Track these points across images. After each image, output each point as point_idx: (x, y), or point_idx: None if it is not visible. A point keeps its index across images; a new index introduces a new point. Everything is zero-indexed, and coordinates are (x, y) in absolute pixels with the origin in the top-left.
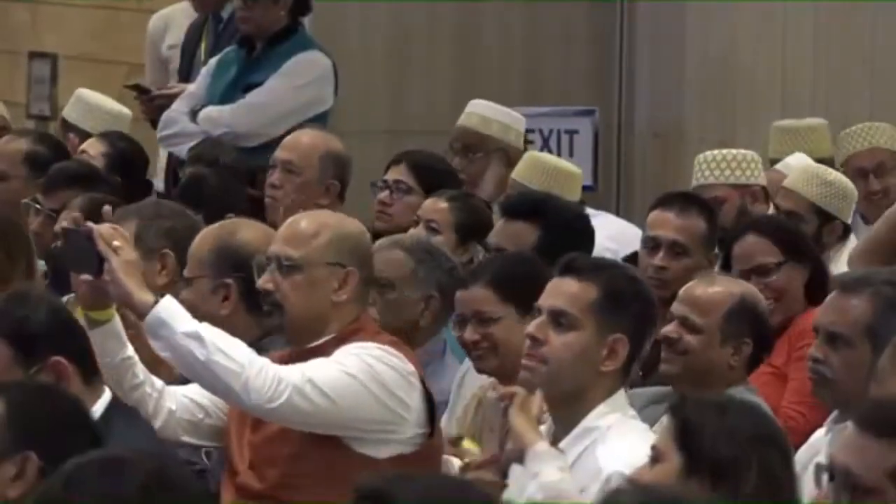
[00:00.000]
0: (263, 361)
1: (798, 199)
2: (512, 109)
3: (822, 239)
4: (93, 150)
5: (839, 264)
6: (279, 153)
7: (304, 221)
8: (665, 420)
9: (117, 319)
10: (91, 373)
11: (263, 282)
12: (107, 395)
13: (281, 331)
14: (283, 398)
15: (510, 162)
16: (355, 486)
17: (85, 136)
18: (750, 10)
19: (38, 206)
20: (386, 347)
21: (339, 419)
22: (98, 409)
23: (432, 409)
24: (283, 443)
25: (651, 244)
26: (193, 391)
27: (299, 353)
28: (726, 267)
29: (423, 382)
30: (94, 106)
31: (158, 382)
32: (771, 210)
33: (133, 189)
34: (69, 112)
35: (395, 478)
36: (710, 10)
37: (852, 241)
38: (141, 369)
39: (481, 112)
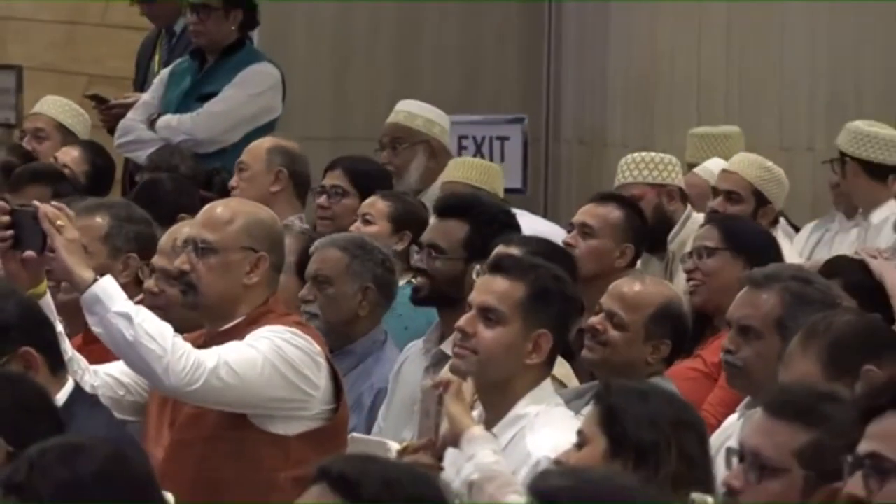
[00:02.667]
0: (186, 347)
1: (738, 179)
2: (448, 116)
3: (757, 219)
4: (66, 157)
5: None
6: (242, 157)
7: (219, 208)
8: (591, 406)
9: (48, 296)
10: (57, 364)
11: (180, 262)
12: (70, 385)
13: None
14: (200, 382)
15: (433, 153)
16: (318, 469)
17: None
18: (667, 25)
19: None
20: (294, 330)
21: (251, 398)
22: (62, 397)
23: (339, 387)
24: (199, 428)
25: (569, 228)
26: (117, 369)
27: (213, 336)
28: None
29: (329, 361)
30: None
31: (84, 361)
32: (689, 209)
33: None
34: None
35: (355, 461)
36: (630, 27)
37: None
38: (69, 346)
39: (407, 108)
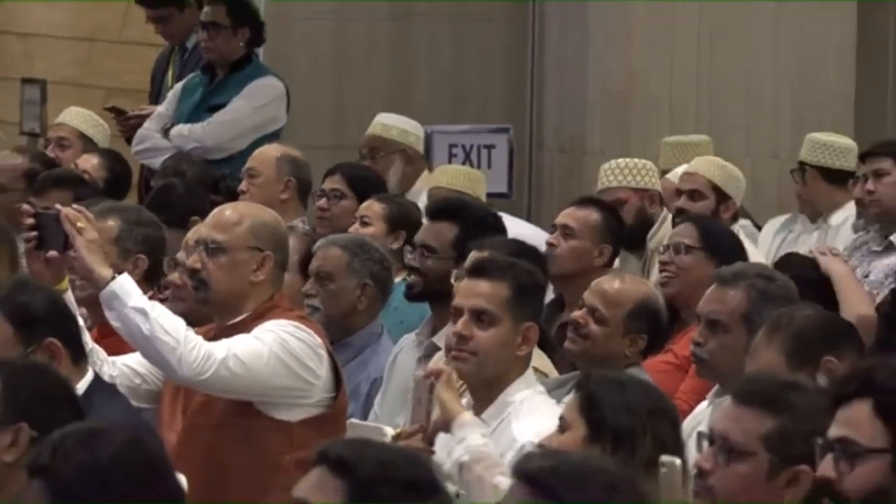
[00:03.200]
0: (197, 339)
1: (699, 178)
2: (438, 126)
3: (720, 215)
4: (86, 163)
5: None
6: (250, 163)
7: (228, 211)
8: (572, 394)
9: (69, 292)
10: (79, 355)
11: (192, 262)
12: (90, 375)
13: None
14: (210, 371)
15: (410, 160)
16: (318, 452)
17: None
18: (641, 43)
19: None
20: (297, 324)
21: (258, 387)
22: (82, 386)
23: (338, 376)
24: (209, 414)
25: (551, 230)
26: (133, 360)
27: (222, 329)
28: None
29: (329, 353)
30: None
31: (102, 353)
32: (665, 210)
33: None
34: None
35: (353, 445)
36: (607, 45)
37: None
38: (89, 338)
39: (383, 121)
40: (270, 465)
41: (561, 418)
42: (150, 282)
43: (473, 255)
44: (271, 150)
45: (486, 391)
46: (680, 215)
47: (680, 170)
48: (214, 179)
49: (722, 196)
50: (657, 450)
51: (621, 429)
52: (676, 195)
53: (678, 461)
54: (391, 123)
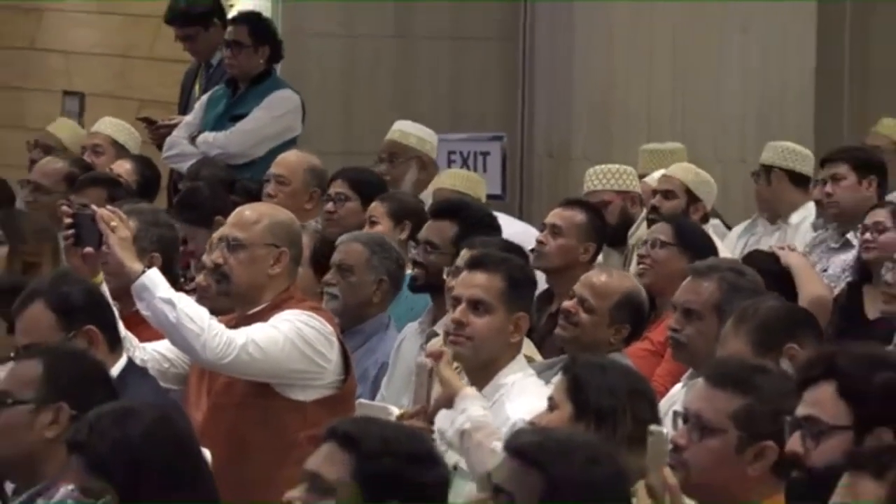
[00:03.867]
0: (220, 327)
1: (675, 181)
2: (438, 134)
3: (689, 215)
4: (120, 168)
5: None
6: (274, 169)
7: (248, 211)
8: (559, 376)
9: (104, 285)
10: (114, 341)
11: (214, 257)
12: (124, 359)
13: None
14: (232, 356)
15: (424, 166)
16: (328, 429)
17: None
18: (622, 59)
19: (69, 203)
20: (310, 313)
21: (275, 370)
22: (116, 370)
23: (348, 361)
24: (231, 395)
25: (541, 228)
26: (162, 346)
27: (242, 318)
28: None
29: (339, 339)
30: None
31: (135, 339)
32: (644, 211)
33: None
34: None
35: (360, 422)
36: (591, 61)
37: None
38: (122, 327)
39: (402, 128)
40: (286, 441)
41: (550, 398)
42: (169, 274)
43: (464, 253)
44: (302, 163)
45: (480, 373)
46: (654, 212)
47: (657, 174)
48: (232, 181)
49: (693, 198)
50: (637, 427)
51: (604, 408)
52: (652, 194)
53: (665, 430)
54: (409, 131)
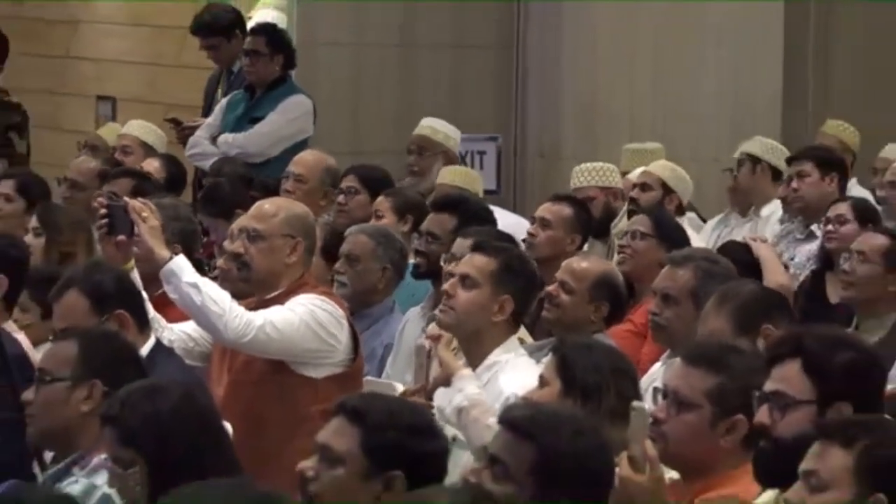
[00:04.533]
0: (240, 309)
1: (651, 175)
2: None
3: (664, 205)
4: (150, 166)
5: None
6: (293, 168)
7: (266, 205)
8: (549, 356)
9: (135, 271)
10: (143, 323)
11: (235, 247)
12: (152, 340)
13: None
14: (251, 335)
15: (449, 161)
16: (337, 404)
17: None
18: (606, 66)
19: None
20: (323, 298)
21: (290, 349)
22: (146, 350)
23: (356, 341)
24: (250, 372)
25: (532, 221)
26: (188, 327)
27: (261, 302)
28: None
29: (349, 322)
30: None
31: (163, 321)
32: (626, 206)
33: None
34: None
35: (366, 397)
36: (578, 69)
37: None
38: (151, 309)
39: (431, 125)
40: (299, 415)
41: (541, 376)
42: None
43: (459, 241)
44: (319, 163)
45: (472, 348)
46: (633, 204)
47: (638, 171)
48: (250, 178)
49: (667, 190)
50: (620, 403)
51: (589, 385)
52: (632, 187)
53: (647, 406)
54: (438, 128)
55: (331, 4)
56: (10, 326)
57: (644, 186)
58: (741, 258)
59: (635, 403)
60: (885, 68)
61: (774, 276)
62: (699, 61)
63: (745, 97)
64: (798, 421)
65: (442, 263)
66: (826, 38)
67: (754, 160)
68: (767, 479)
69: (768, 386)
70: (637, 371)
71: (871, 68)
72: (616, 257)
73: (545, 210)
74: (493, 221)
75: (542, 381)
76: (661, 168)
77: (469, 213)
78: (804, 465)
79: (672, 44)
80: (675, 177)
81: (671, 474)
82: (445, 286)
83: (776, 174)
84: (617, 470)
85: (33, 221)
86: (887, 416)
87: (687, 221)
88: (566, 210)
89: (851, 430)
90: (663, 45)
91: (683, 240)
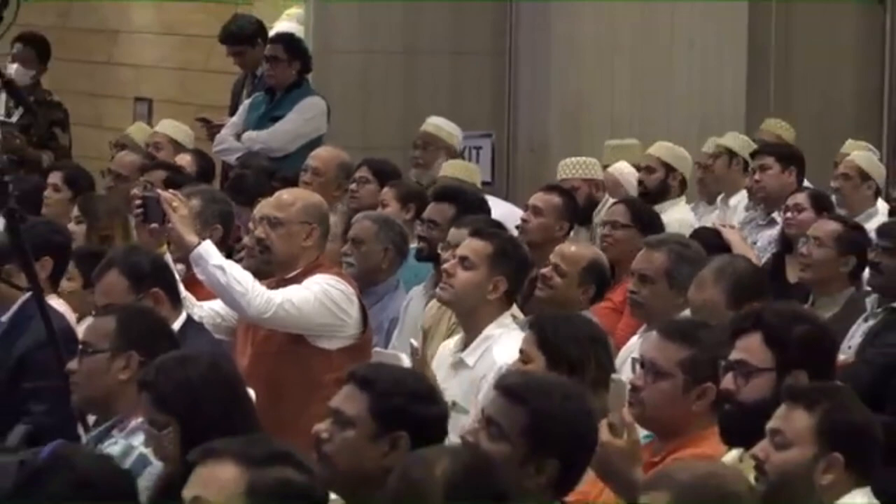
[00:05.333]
0: (262, 288)
1: (652, 157)
2: None
3: (668, 184)
4: (182, 161)
5: (672, 211)
6: (310, 162)
7: (285, 195)
8: (527, 331)
9: (168, 254)
10: (176, 301)
11: (259, 233)
12: (184, 315)
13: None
14: (271, 312)
15: (451, 155)
16: (348, 373)
17: (175, 143)
18: (590, 73)
19: (138, 192)
20: (336, 278)
21: (306, 324)
22: (177, 324)
23: (365, 316)
24: (270, 344)
25: (525, 209)
26: (216, 305)
27: (280, 282)
28: None
29: (359, 299)
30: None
31: (193, 298)
32: (606, 195)
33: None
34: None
35: (374, 367)
36: (566, 73)
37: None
38: (182, 289)
39: (436, 123)
40: (315, 382)
41: (521, 351)
42: (224, 244)
43: (453, 230)
44: (334, 158)
45: (469, 322)
46: (641, 186)
47: (618, 165)
48: (272, 171)
49: (669, 168)
50: (599, 371)
51: (574, 359)
52: (637, 169)
53: (625, 378)
54: (441, 125)
55: (343, 16)
56: (55, 301)
57: (648, 169)
58: (711, 242)
59: (614, 376)
60: (840, 67)
61: None
62: (671, 65)
63: (712, 97)
64: (759, 387)
65: (439, 251)
66: (786, 38)
67: (731, 154)
68: (732, 438)
69: (733, 356)
70: (609, 338)
71: (828, 67)
72: (599, 242)
73: (537, 199)
74: (488, 211)
75: (524, 356)
76: (661, 149)
77: (466, 203)
78: (770, 425)
79: (647, 50)
80: (675, 155)
81: (643, 433)
82: (446, 266)
83: (747, 167)
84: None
85: (75, 210)
86: (839, 383)
87: (689, 208)
88: (556, 199)
89: (814, 395)
90: (639, 51)
91: (658, 225)
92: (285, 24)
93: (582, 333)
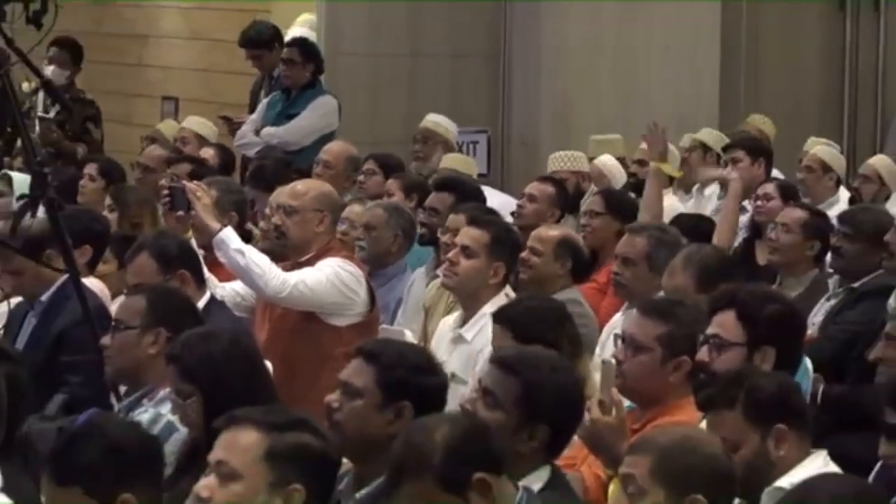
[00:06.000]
0: (278, 270)
1: (646, 153)
2: None
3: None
4: (206, 154)
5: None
6: (322, 155)
7: (299, 185)
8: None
9: (193, 239)
10: (200, 281)
11: (275, 220)
12: (207, 295)
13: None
14: (286, 291)
15: (448, 149)
16: (356, 348)
17: (199, 138)
18: (577, 75)
19: (165, 182)
20: (345, 261)
21: (318, 302)
22: (202, 303)
23: (373, 296)
24: (286, 321)
25: (520, 197)
26: (237, 285)
27: (295, 264)
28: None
29: (367, 280)
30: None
31: (215, 280)
32: (592, 185)
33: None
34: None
35: (380, 342)
36: (555, 76)
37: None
38: (206, 271)
39: (435, 119)
40: (326, 356)
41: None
42: (241, 229)
43: (452, 217)
44: (344, 152)
45: (469, 303)
46: (633, 177)
47: (603, 158)
48: (288, 162)
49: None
50: (571, 346)
51: (547, 341)
52: (632, 163)
53: (613, 361)
54: (439, 122)
55: (351, 22)
56: (91, 282)
57: (640, 162)
58: (688, 228)
59: (604, 358)
60: (805, 69)
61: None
62: (649, 65)
63: (687, 96)
64: (730, 359)
65: (439, 236)
66: (756, 40)
67: (706, 148)
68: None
69: (709, 330)
70: (567, 310)
71: (794, 69)
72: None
73: (533, 187)
74: (483, 199)
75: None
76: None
77: (464, 192)
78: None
79: (627, 52)
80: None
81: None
82: (449, 255)
83: (720, 160)
84: (588, 413)
85: (108, 199)
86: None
87: (676, 198)
88: (550, 189)
89: (732, 390)
90: (621, 53)
91: (632, 212)
92: (299, 29)
93: (549, 317)
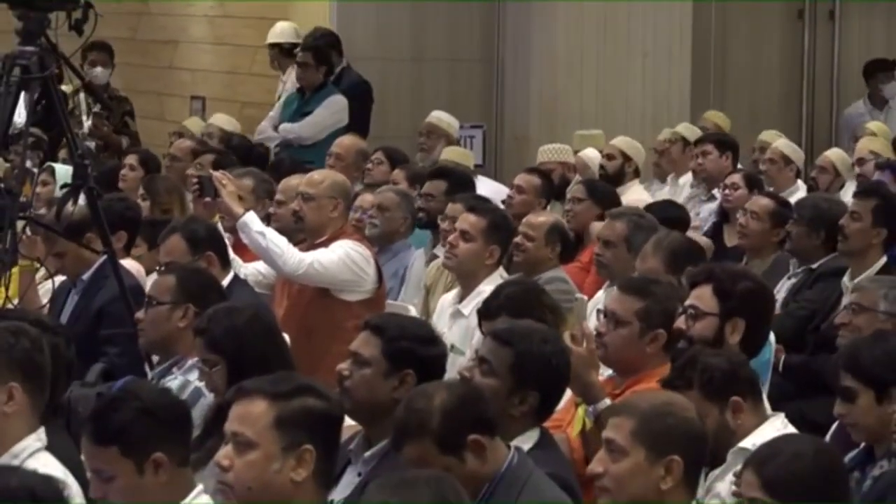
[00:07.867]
0: (295, 250)
1: (613, 147)
2: None
3: (625, 170)
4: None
5: (630, 193)
6: (334, 148)
7: (316, 175)
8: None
9: (220, 224)
10: (225, 261)
11: (295, 205)
12: (231, 274)
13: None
14: (303, 270)
15: (449, 142)
16: (364, 321)
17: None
18: (563, 76)
19: (194, 171)
20: (356, 243)
21: (332, 280)
22: (226, 281)
23: (380, 274)
24: (302, 297)
25: (510, 187)
26: (258, 265)
27: (311, 246)
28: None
29: (375, 260)
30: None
31: (239, 260)
32: (577, 176)
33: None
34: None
35: (386, 316)
36: (543, 76)
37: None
38: (231, 252)
39: (438, 115)
40: (338, 328)
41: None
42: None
43: (450, 206)
44: (354, 146)
45: (467, 282)
46: (602, 170)
47: (587, 151)
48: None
49: (626, 157)
50: (552, 314)
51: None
52: (602, 156)
53: (585, 297)
54: (443, 118)
55: (362, 30)
56: (127, 262)
57: (609, 156)
58: (663, 214)
59: (577, 296)
60: (768, 72)
61: None
62: (628, 66)
63: (661, 94)
64: (704, 328)
65: (440, 222)
66: (724, 37)
67: (685, 142)
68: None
69: (687, 301)
70: (546, 291)
71: (757, 69)
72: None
73: (520, 179)
74: (474, 187)
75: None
76: (621, 142)
77: (456, 179)
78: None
79: (608, 55)
80: (631, 147)
81: (608, 372)
82: (449, 239)
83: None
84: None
85: (140, 189)
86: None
87: (642, 189)
88: (536, 180)
89: (688, 372)
90: (602, 57)
91: (613, 199)
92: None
93: (531, 298)
